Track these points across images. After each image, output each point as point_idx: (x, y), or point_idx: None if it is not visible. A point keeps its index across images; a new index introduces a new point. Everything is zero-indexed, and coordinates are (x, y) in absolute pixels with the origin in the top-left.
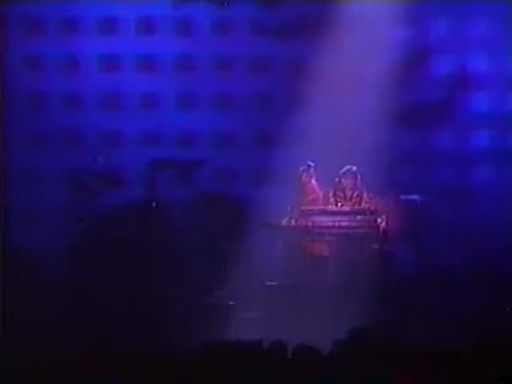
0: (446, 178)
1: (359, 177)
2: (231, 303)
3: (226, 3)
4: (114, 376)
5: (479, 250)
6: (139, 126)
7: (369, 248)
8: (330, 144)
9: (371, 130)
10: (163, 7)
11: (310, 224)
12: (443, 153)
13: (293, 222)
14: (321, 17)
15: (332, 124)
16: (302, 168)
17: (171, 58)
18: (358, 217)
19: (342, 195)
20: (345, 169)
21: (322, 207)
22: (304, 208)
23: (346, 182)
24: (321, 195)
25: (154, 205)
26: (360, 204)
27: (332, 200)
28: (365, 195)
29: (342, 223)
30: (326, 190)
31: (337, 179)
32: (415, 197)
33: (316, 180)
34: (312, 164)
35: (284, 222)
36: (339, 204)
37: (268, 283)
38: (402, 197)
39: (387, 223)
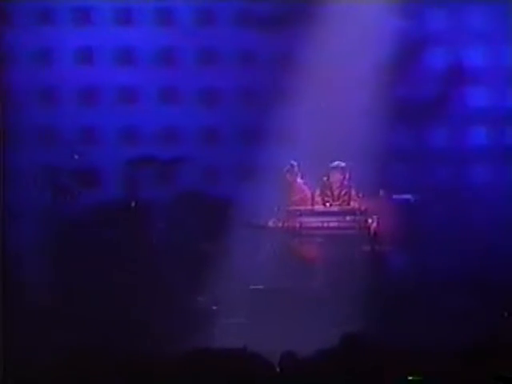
0: (440, 177)
1: (347, 174)
2: (214, 308)
3: None
4: None
5: (474, 251)
6: (118, 122)
7: (359, 250)
8: (319, 141)
9: (362, 125)
10: None
11: (297, 225)
12: (438, 150)
13: (279, 223)
14: (309, 8)
15: (321, 120)
16: (285, 168)
17: (152, 50)
18: (348, 217)
19: (329, 193)
20: (334, 164)
21: (310, 207)
22: (291, 208)
23: (334, 178)
24: (308, 194)
25: (133, 205)
26: (349, 203)
27: (319, 199)
28: (353, 193)
29: (331, 224)
30: (314, 188)
31: (325, 178)
32: (408, 196)
33: (302, 178)
34: (295, 163)
35: (270, 222)
36: (327, 204)
37: (253, 287)
38: (395, 196)
39: (378, 224)
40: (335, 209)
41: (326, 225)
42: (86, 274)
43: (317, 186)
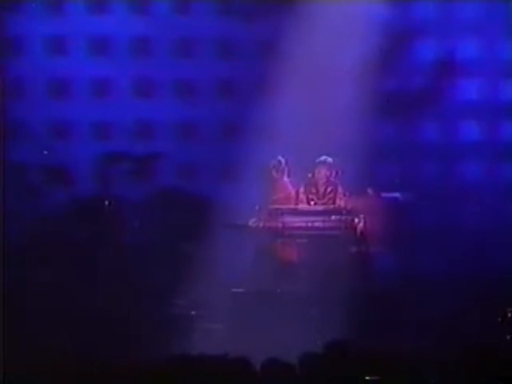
0: (430, 174)
1: (334, 170)
2: (193, 313)
3: None
4: None
5: (464, 251)
6: (90, 116)
7: (345, 251)
8: (304, 136)
9: (349, 120)
10: None
11: (280, 225)
12: (428, 147)
13: (261, 223)
14: None
15: (306, 114)
16: (271, 164)
17: (126, 40)
18: (333, 216)
19: (314, 191)
20: (320, 159)
21: (293, 206)
22: (273, 207)
23: (320, 175)
24: (293, 193)
25: (106, 203)
26: (334, 201)
27: (303, 197)
28: (339, 190)
29: (316, 224)
30: (298, 186)
31: (310, 174)
32: (396, 194)
33: (288, 176)
34: (282, 159)
35: (251, 222)
36: (312, 202)
37: (234, 290)
38: (382, 194)
39: (365, 224)
40: (320, 208)
41: (310, 225)
42: (56, 277)
43: (301, 183)
